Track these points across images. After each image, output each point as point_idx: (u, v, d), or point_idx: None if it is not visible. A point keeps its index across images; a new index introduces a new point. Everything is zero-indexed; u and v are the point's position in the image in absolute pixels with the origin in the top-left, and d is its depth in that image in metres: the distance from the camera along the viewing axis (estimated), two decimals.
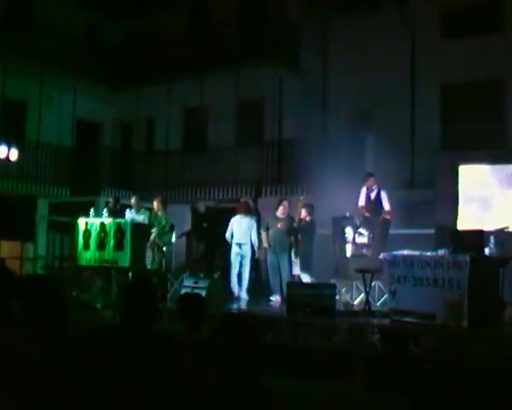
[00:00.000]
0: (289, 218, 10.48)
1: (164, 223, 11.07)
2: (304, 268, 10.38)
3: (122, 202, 12.40)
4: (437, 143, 14.44)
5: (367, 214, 10.14)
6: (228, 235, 10.58)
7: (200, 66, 16.94)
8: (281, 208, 10.44)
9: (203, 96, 17.45)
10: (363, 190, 10.38)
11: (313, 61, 16.52)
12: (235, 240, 10.52)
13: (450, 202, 10.80)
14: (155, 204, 11.22)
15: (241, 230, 10.50)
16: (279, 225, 10.36)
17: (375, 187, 10.24)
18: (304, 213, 10.55)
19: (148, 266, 10.84)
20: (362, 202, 10.32)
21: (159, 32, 18.21)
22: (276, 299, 10.21)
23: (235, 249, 10.51)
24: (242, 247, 10.49)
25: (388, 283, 7.87)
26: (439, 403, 2.12)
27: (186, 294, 6.71)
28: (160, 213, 11.14)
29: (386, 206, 10.08)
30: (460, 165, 10.89)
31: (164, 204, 11.39)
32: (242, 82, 16.53)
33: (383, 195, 10.16)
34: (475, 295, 6.93)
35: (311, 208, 10.56)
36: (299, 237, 10.46)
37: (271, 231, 10.41)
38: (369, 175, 10.38)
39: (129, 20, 19.20)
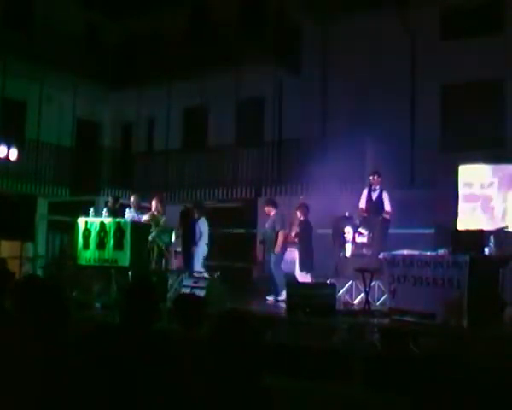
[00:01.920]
0: (278, 215, 10.73)
1: (162, 223, 11.08)
2: (303, 268, 10.45)
3: (121, 201, 12.38)
4: (437, 143, 14.44)
5: (364, 215, 10.16)
6: (198, 237, 11.13)
7: (200, 66, 16.93)
8: (265, 210, 11.02)
9: (203, 96, 17.44)
10: (365, 192, 10.35)
11: (313, 61, 16.52)
12: (204, 241, 11.12)
13: (450, 202, 10.81)
14: (154, 203, 11.22)
15: (207, 231, 11.18)
16: (266, 225, 10.87)
17: (378, 187, 10.22)
18: (298, 213, 10.70)
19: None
20: (362, 204, 10.30)
21: (159, 32, 18.20)
22: (271, 298, 10.34)
23: (205, 250, 11.15)
24: (208, 247, 11.24)
25: (388, 282, 7.88)
26: (439, 403, 2.11)
27: (181, 294, 6.72)
28: (156, 213, 11.16)
29: (387, 206, 10.07)
30: (460, 165, 10.90)
31: (162, 203, 11.39)
32: (242, 82, 16.52)
33: (385, 195, 10.14)
34: (475, 295, 6.94)
35: (304, 208, 10.69)
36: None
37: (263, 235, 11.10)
38: (376, 173, 10.34)
39: (129, 20, 19.20)
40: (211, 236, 11.37)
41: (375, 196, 10.22)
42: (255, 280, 12.91)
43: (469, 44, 14.30)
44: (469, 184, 10.76)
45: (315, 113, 16.12)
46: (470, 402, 2.08)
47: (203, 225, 11.18)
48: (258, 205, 14.80)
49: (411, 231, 10.65)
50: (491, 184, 10.61)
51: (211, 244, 11.32)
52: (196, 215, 11.33)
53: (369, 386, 6.01)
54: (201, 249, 11.14)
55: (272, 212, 10.75)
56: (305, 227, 10.62)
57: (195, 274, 10.62)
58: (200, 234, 11.13)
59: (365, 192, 10.34)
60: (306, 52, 16.74)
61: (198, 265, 11.08)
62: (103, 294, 10.71)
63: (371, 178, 10.32)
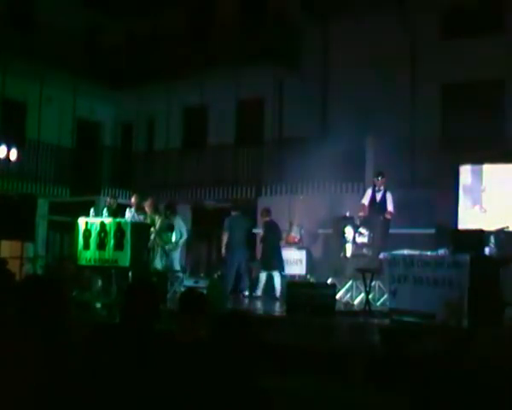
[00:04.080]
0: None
1: (160, 223, 11.09)
2: (265, 268, 11.07)
3: (121, 201, 12.38)
4: (437, 143, 14.43)
5: (361, 213, 10.17)
6: (178, 237, 11.29)
7: (200, 66, 16.94)
8: None
9: (203, 96, 17.45)
10: (369, 191, 10.37)
11: (313, 61, 16.52)
12: (182, 240, 11.33)
13: (450, 202, 10.80)
14: (146, 208, 11.25)
15: (185, 231, 11.44)
16: None
17: (382, 187, 10.22)
18: (262, 216, 11.57)
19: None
20: (365, 200, 10.31)
21: (159, 32, 18.20)
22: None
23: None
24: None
25: (388, 282, 7.88)
26: (439, 403, 2.11)
27: (189, 289, 6.69)
28: (153, 215, 11.18)
29: (390, 207, 10.08)
30: (460, 165, 10.89)
31: (154, 206, 11.38)
32: (242, 82, 16.52)
33: (388, 196, 10.15)
34: (475, 295, 6.93)
35: (265, 212, 11.51)
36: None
37: None
38: (381, 174, 10.35)
39: (129, 20, 19.19)
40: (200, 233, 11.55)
41: (378, 196, 10.22)
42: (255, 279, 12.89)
43: (469, 44, 14.28)
44: (469, 184, 10.76)
45: (315, 113, 16.12)
46: (470, 402, 2.08)
47: (182, 227, 11.30)
48: (258, 205, 14.81)
49: (411, 231, 10.65)
50: (491, 184, 10.61)
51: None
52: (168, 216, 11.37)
53: (369, 386, 6.00)
54: (179, 250, 11.33)
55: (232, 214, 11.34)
56: (267, 229, 11.31)
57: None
58: (181, 235, 11.20)
59: (369, 192, 10.37)
60: (306, 52, 16.73)
61: (176, 264, 11.19)
62: (103, 294, 10.71)
63: (375, 179, 10.33)
